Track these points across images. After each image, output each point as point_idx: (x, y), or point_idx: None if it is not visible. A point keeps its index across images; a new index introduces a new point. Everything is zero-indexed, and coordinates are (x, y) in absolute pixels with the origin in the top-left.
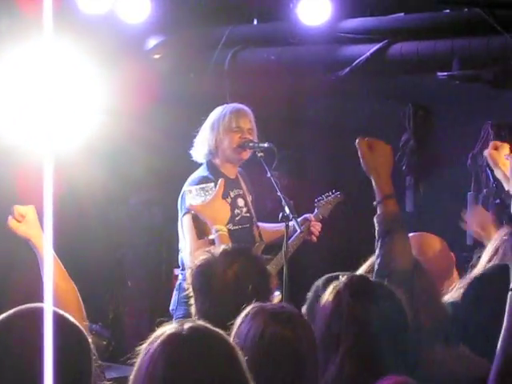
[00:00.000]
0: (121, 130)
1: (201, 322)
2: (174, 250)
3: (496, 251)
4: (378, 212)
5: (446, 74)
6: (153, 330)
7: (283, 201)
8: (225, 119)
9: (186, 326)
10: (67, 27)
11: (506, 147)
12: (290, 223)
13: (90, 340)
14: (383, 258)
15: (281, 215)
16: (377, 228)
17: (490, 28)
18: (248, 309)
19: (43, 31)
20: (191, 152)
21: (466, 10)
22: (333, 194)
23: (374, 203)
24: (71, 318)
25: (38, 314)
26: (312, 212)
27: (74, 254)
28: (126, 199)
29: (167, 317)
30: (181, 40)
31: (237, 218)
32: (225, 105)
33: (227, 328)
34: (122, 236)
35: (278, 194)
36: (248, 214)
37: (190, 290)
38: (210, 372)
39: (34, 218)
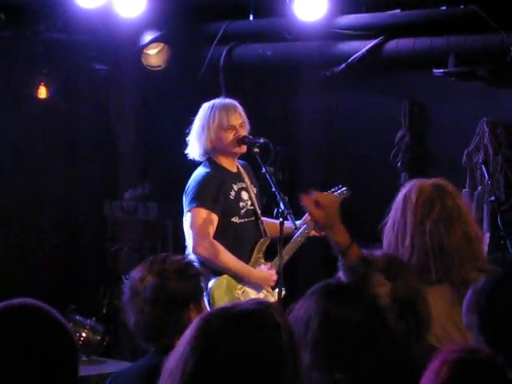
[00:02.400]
0: (116, 125)
1: None
2: (169, 244)
3: None
4: (343, 261)
5: (441, 70)
6: None
7: (278, 196)
8: (215, 118)
9: None
10: (64, 20)
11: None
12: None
13: (74, 336)
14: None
15: (276, 211)
16: (347, 275)
17: (485, 25)
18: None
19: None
20: (187, 151)
21: (462, 7)
22: (339, 188)
23: (335, 253)
24: (56, 314)
25: (24, 309)
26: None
27: (68, 248)
28: (121, 194)
29: None
30: (176, 35)
31: (242, 211)
32: (211, 102)
33: None
34: (116, 231)
35: (273, 189)
36: (252, 207)
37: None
38: None
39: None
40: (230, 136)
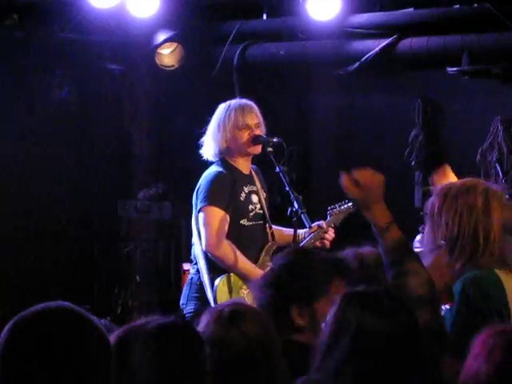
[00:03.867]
0: (131, 125)
1: None
2: (183, 244)
3: None
4: (381, 244)
5: (455, 69)
6: None
7: (292, 196)
8: (230, 118)
9: None
10: (78, 21)
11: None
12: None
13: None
14: (399, 288)
15: (289, 210)
16: (384, 259)
17: (499, 23)
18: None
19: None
20: (201, 152)
21: (476, 5)
22: (345, 203)
23: (374, 235)
24: (92, 317)
25: (64, 312)
26: (324, 217)
27: (82, 248)
28: (135, 194)
29: (176, 311)
30: (189, 35)
31: (251, 214)
32: (228, 102)
33: None
34: (130, 231)
35: (287, 189)
36: (261, 211)
37: (202, 282)
38: None
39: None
40: (245, 135)
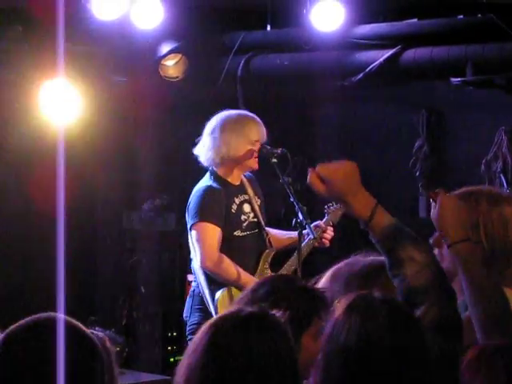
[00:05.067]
0: (135, 136)
1: None
2: (188, 255)
3: None
4: (370, 235)
5: (459, 79)
6: (166, 336)
7: (296, 206)
8: (245, 130)
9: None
10: (82, 32)
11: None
12: (304, 231)
13: (110, 349)
14: (399, 282)
15: (294, 221)
16: (379, 249)
17: (503, 34)
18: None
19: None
20: (195, 152)
21: (480, 15)
22: (332, 205)
23: (362, 227)
24: (84, 329)
25: (52, 324)
26: (322, 218)
27: (87, 259)
28: (140, 205)
29: (180, 322)
30: (194, 46)
31: (244, 224)
32: (237, 112)
33: None
34: (135, 242)
35: (291, 199)
36: (255, 219)
37: (203, 296)
38: None
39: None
40: (255, 150)
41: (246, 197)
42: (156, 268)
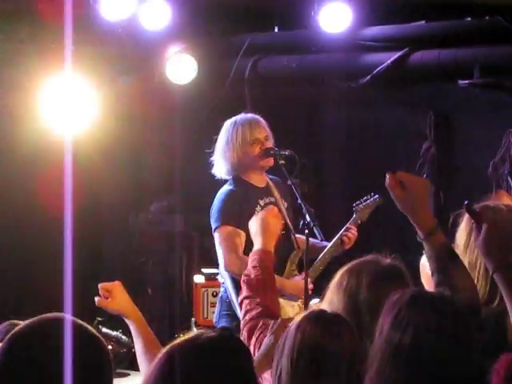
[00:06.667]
0: (142, 137)
1: None
2: (194, 257)
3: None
4: (426, 248)
5: (467, 81)
6: (173, 337)
7: (304, 208)
8: (238, 134)
9: None
10: (90, 33)
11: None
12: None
13: (109, 350)
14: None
15: (302, 223)
16: (430, 264)
17: (511, 36)
18: None
19: (65, 37)
20: (213, 171)
21: (487, 18)
22: (371, 197)
23: (418, 239)
24: (91, 329)
25: (59, 324)
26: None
27: (94, 260)
28: (147, 206)
29: (187, 324)
30: (201, 48)
31: None
32: (233, 118)
33: None
34: (142, 243)
35: (299, 201)
36: (282, 221)
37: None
38: None
39: (121, 292)
40: (256, 149)
41: (273, 199)
42: (163, 269)
